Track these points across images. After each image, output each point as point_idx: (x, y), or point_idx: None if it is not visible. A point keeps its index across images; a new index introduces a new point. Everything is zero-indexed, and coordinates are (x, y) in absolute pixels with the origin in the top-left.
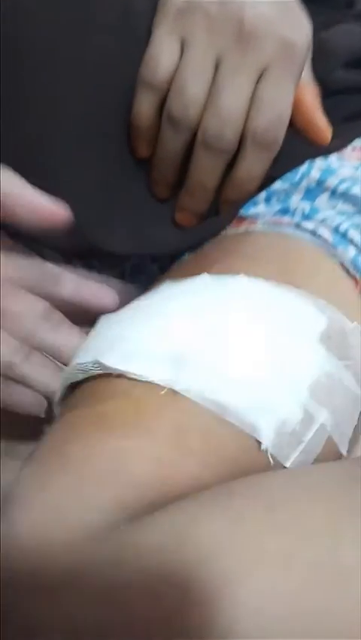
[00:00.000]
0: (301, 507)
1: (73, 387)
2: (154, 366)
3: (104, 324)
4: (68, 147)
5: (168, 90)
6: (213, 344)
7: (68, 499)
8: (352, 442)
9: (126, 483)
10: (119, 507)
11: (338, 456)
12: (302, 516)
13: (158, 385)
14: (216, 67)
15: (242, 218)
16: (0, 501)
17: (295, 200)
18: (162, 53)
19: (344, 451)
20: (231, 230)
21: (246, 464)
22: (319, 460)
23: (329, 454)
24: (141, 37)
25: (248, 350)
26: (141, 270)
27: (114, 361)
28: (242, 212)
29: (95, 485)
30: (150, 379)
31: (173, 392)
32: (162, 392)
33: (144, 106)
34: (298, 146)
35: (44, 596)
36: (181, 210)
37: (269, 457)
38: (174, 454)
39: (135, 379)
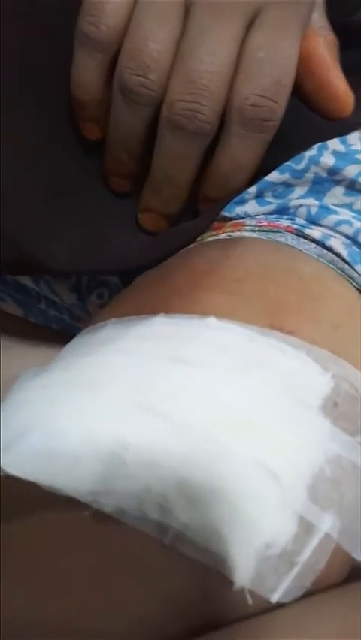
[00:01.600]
0: None
1: None
2: (77, 472)
3: (20, 386)
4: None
5: (118, 49)
6: (163, 429)
7: None
8: None
9: None
10: None
11: (347, 566)
12: None
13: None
14: (186, 14)
15: (224, 219)
16: None
17: (297, 197)
18: None
19: (358, 557)
20: (209, 235)
21: (205, 613)
22: (320, 579)
23: (334, 569)
24: None
25: (214, 435)
26: (100, 282)
27: (18, 465)
28: (224, 212)
29: None
30: (70, 494)
31: (101, 514)
32: (87, 513)
33: (88, 71)
34: (304, 123)
35: None
36: (145, 211)
37: (247, 595)
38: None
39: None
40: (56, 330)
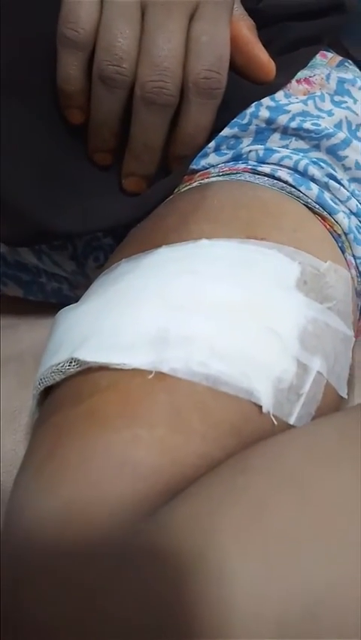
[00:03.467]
0: (321, 475)
1: (47, 391)
2: (135, 352)
3: (66, 318)
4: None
5: (93, 47)
6: (189, 317)
7: (78, 506)
8: (349, 385)
9: (136, 475)
10: (134, 501)
11: (339, 401)
12: (326, 487)
13: (143, 371)
14: (143, 14)
15: (193, 172)
16: None
17: (246, 145)
18: (81, 6)
19: (344, 394)
20: (183, 186)
21: (250, 431)
22: (321, 408)
23: (330, 402)
24: None
25: (226, 315)
26: (95, 247)
27: (92, 355)
28: (192, 166)
29: (105, 483)
30: (133, 366)
31: (160, 374)
32: (150, 377)
33: (71, 67)
34: (243, 88)
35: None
36: (128, 176)
37: (272, 418)
38: (176, 436)
39: (118, 369)
40: (54, 304)
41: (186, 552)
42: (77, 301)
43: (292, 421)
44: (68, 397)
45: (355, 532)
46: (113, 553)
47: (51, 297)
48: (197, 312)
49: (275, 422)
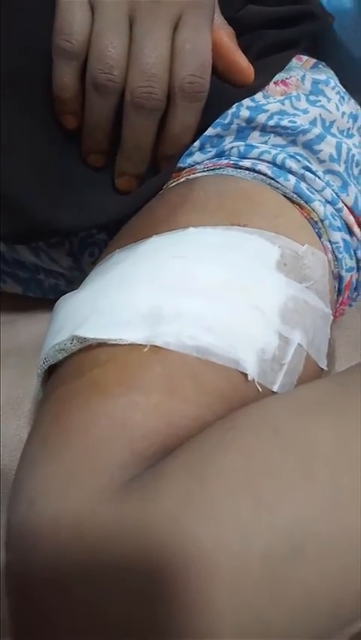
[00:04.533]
0: (305, 426)
1: (50, 370)
2: (131, 329)
3: (66, 304)
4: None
5: (86, 56)
6: (180, 296)
7: (82, 466)
8: (329, 363)
9: (135, 434)
10: (133, 458)
11: (320, 373)
12: (307, 436)
13: (139, 345)
14: (131, 25)
15: (180, 170)
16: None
17: (228, 142)
18: (74, 19)
19: (323, 366)
20: (171, 182)
21: (237, 398)
22: (302, 378)
23: (311, 373)
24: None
25: (214, 293)
26: (90, 243)
27: (92, 332)
28: (179, 164)
29: (106, 444)
30: (130, 341)
31: (155, 347)
32: (145, 350)
33: (66, 76)
34: (224, 90)
35: (61, 586)
36: (120, 175)
37: (257, 385)
38: (171, 401)
39: (116, 345)
40: (52, 300)
41: (177, 498)
42: None
43: (275, 388)
44: (70, 372)
45: (334, 473)
46: (102, 527)
47: (49, 294)
48: (187, 292)
49: (260, 389)
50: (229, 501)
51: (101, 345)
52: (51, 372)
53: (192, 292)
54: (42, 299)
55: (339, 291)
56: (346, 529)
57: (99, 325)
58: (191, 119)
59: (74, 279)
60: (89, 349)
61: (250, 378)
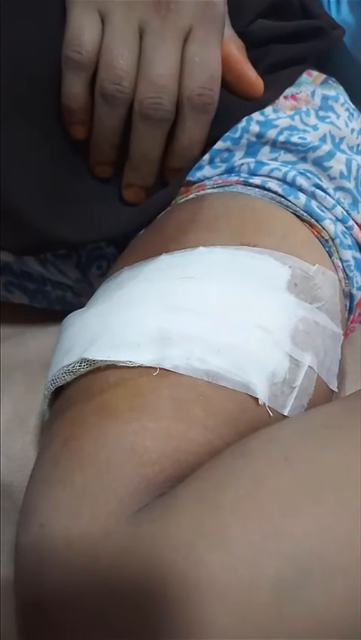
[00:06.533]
0: (315, 452)
1: (56, 392)
2: (140, 351)
3: (74, 322)
4: (7, 139)
5: (95, 67)
6: (189, 317)
7: (93, 490)
8: (340, 378)
9: (145, 460)
10: (143, 484)
11: (330, 393)
12: (316, 462)
13: (148, 368)
14: (141, 37)
15: (189, 184)
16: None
17: (239, 158)
18: (84, 30)
19: (334, 387)
20: (180, 198)
21: (247, 421)
22: (313, 400)
23: (321, 394)
24: (57, 17)
25: (223, 315)
26: (98, 256)
27: (101, 354)
28: (188, 177)
29: (116, 470)
30: (139, 363)
31: (164, 371)
32: (155, 374)
33: (75, 86)
34: (234, 103)
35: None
36: (128, 187)
37: (268, 409)
38: (180, 425)
39: (125, 367)
40: (58, 314)
41: (190, 528)
42: (81, 307)
43: (286, 412)
44: (79, 394)
45: (342, 497)
46: (115, 551)
47: (55, 304)
48: (196, 313)
49: (271, 413)
50: (240, 528)
51: (110, 367)
52: (58, 391)
53: (202, 314)
54: (49, 311)
55: (350, 310)
56: (352, 551)
57: (108, 346)
58: (200, 131)
59: (82, 292)
60: (98, 371)
61: (260, 402)
